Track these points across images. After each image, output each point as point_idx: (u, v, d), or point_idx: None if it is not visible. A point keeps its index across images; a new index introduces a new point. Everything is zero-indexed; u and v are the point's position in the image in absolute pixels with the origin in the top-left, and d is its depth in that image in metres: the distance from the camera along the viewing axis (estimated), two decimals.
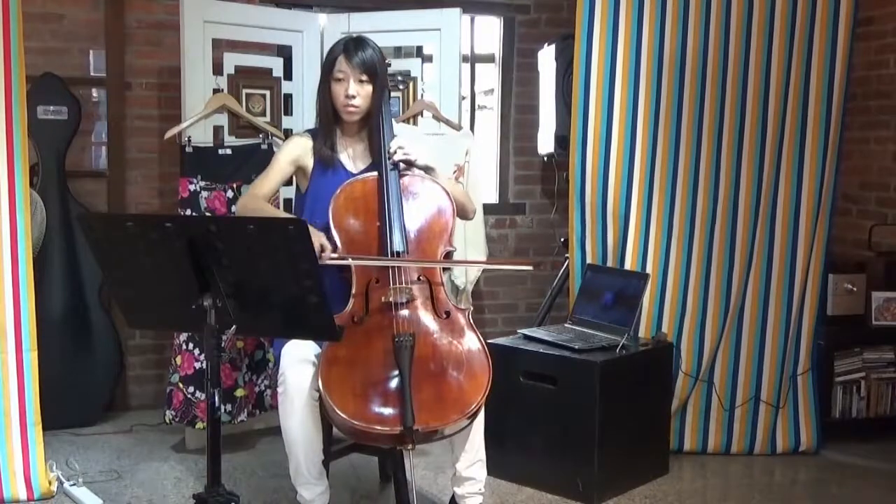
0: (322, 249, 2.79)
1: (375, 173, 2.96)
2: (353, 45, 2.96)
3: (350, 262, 2.83)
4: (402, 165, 2.96)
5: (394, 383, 2.67)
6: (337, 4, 4.63)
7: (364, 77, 2.93)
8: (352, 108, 2.96)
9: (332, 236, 2.86)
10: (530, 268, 3.11)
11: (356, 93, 2.94)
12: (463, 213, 3.12)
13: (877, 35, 4.51)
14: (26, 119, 3.24)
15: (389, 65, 3.10)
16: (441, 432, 2.72)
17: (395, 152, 2.94)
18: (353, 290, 2.84)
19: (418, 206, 2.96)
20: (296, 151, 3.04)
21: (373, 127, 3.01)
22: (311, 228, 2.75)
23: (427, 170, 3.02)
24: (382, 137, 2.97)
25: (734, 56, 3.75)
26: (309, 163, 3.03)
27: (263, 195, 3.00)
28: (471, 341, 2.82)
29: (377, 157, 3.00)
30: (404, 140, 2.98)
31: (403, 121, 4.18)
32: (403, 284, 2.82)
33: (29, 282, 3.26)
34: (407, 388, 2.62)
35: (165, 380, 3.92)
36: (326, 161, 3.01)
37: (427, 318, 2.83)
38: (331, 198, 2.90)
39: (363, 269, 2.85)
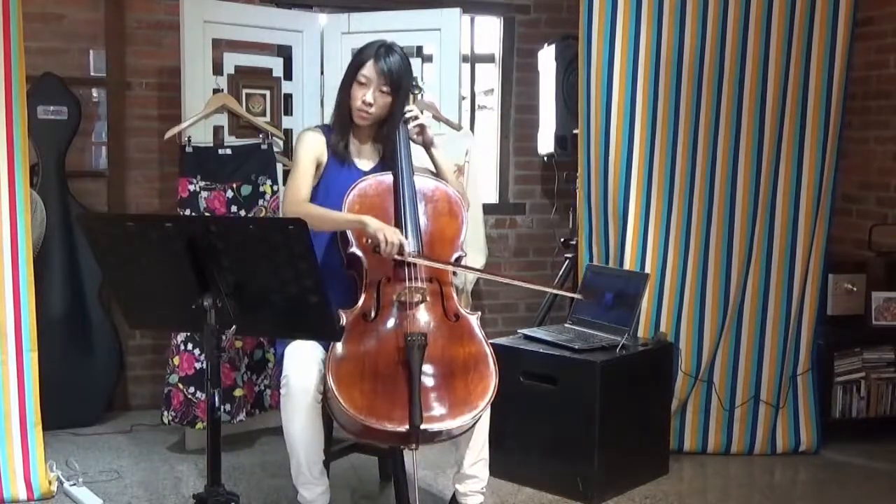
0: (402, 247, 2.77)
1: (390, 173, 2.97)
2: (384, 51, 2.93)
3: (427, 262, 2.85)
4: (416, 129, 3.01)
5: (403, 382, 2.68)
6: (337, 4, 4.63)
7: (386, 88, 2.93)
8: (364, 115, 2.96)
9: (345, 233, 2.87)
10: (579, 297, 3.18)
11: (374, 101, 2.93)
12: None
13: (877, 35, 4.51)
14: (26, 119, 3.24)
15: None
16: (446, 434, 2.73)
17: (417, 117, 2.99)
18: (364, 287, 2.85)
19: (432, 210, 2.99)
20: (315, 148, 3.01)
21: (387, 133, 3.02)
22: (387, 225, 2.79)
23: (429, 146, 3.06)
24: (398, 141, 2.98)
25: (731, 56, 3.75)
26: (324, 158, 3.03)
27: (307, 197, 2.94)
28: (479, 345, 2.84)
29: (385, 156, 3.03)
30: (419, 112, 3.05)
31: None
32: (418, 284, 2.83)
33: (29, 282, 3.26)
34: (416, 388, 2.63)
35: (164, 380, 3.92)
36: (341, 157, 3.02)
37: (438, 320, 2.85)
38: (343, 194, 2.91)
39: (377, 266, 2.85)
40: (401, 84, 2.94)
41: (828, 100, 3.77)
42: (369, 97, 2.93)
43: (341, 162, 3.02)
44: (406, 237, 2.84)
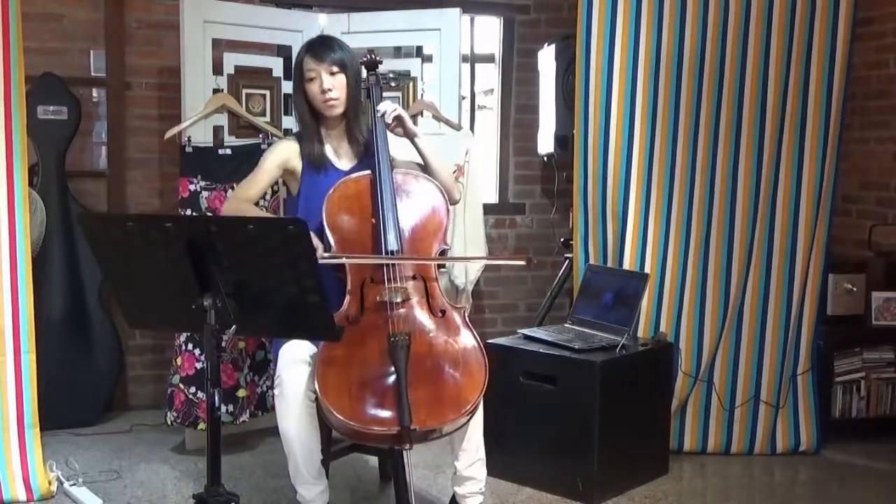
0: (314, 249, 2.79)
1: (368, 172, 2.96)
2: (316, 43, 3.02)
3: (343, 260, 2.83)
4: (393, 123, 3.00)
5: (390, 383, 2.67)
6: (337, 4, 4.64)
7: (334, 69, 2.96)
8: (331, 102, 2.97)
9: (325, 236, 2.86)
10: (523, 263, 3.13)
11: (331, 85, 2.95)
12: (448, 196, 3.12)
13: (877, 35, 4.51)
14: (26, 119, 3.24)
15: (381, 62, 3.12)
16: (439, 431, 2.72)
17: (386, 113, 2.98)
18: (348, 290, 2.84)
19: (412, 205, 2.97)
20: (283, 155, 3.04)
21: (350, 118, 3.02)
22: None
23: (412, 136, 3.03)
24: (374, 126, 2.98)
25: (731, 55, 3.75)
26: (297, 166, 3.03)
27: (248, 198, 3.00)
28: (467, 339, 2.82)
29: (364, 152, 3.02)
30: (391, 105, 3.03)
31: None
32: (398, 283, 2.82)
33: (28, 284, 3.25)
34: (403, 388, 2.62)
35: (165, 380, 3.92)
36: (317, 162, 3.02)
37: (423, 317, 2.84)
38: (324, 198, 2.91)
39: (358, 268, 2.85)
40: (344, 60, 2.98)
41: (828, 100, 3.77)
42: (326, 83, 2.95)
43: (318, 167, 3.02)
44: (387, 235, 2.85)
